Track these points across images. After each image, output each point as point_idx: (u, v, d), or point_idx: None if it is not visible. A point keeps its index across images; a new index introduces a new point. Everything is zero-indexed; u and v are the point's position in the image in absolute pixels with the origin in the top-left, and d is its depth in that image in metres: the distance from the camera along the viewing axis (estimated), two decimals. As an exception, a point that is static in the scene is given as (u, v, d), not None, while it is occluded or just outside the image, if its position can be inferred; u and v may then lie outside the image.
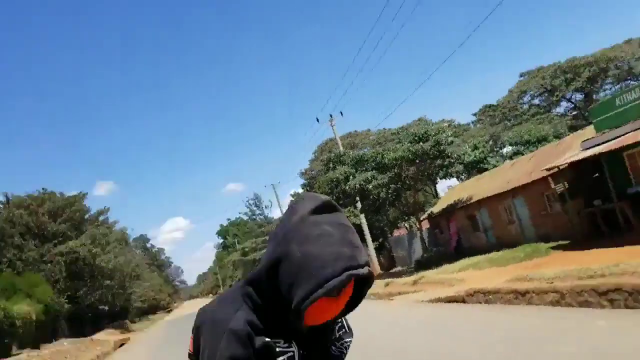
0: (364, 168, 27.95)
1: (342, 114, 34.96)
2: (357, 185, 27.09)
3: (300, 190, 44.04)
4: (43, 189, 40.57)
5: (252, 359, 1.26)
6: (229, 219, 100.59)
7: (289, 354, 1.33)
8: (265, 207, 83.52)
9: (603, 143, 16.49)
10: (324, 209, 1.28)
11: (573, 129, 36.11)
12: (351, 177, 28.19)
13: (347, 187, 28.02)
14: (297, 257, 1.21)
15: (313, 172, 43.33)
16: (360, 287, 1.34)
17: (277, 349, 1.32)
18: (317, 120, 35.28)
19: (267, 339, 1.30)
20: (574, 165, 17.93)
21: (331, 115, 34.66)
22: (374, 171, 26.93)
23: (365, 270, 1.23)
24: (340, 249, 1.21)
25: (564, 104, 48.28)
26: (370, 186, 26.65)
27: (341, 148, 33.73)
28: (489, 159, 33.38)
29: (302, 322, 1.26)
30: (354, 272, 1.20)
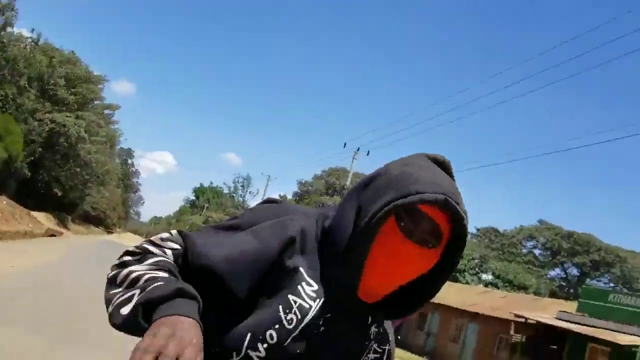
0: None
1: (368, 154, 34.62)
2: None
3: (290, 196, 43.60)
4: (72, 52, 40.18)
5: (273, 262, 1.02)
6: (211, 183, 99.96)
7: (306, 306, 1.02)
8: (250, 192, 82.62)
9: (578, 323, 16.47)
10: (436, 161, 1.11)
11: (552, 295, 36.14)
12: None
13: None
14: (393, 174, 1.05)
15: (311, 188, 43.09)
16: (453, 253, 1.07)
17: (302, 290, 1.03)
18: (345, 145, 34.86)
19: (302, 268, 1.04)
20: (540, 326, 17.76)
21: (358, 149, 34.33)
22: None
23: (463, 210, 1.02)
24: (443, 181, 1.03)
25: (558, 269, 48.48)
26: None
27: (349, 181, 33.50)
28: (466, 274, 33.17)
29: (363, 253, 1.01)
30: (452, 198, 0.99)
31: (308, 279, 1.03)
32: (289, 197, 43.18)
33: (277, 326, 0.99)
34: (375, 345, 1.14)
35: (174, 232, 1.06)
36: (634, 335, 15.23)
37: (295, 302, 1.01)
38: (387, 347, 1.17)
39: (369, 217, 1.00)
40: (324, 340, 1.04)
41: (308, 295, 1.02)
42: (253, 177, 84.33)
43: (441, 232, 1.02)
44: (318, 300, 1.03)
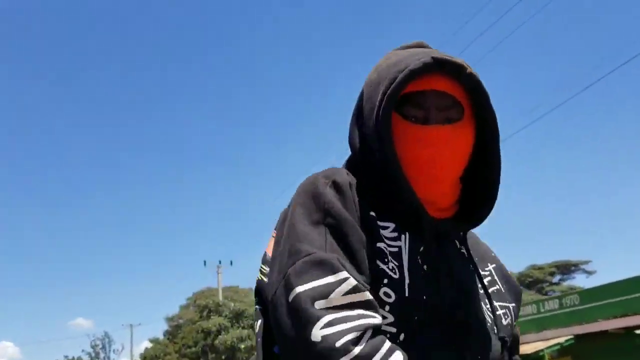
0: (243, 325, 26.33)
1: (231, 263, 33.75)
2: (228, 342, 25.22)
3: (161, 336, 40.37)
4: None
5: (350, 221, 0.90)
6: (66, 357, 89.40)
7: (394, 249, 0.93)
8: (114, 350, 75.20)
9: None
10: (411, 46, 1.05)
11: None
12: (224, 331, 26.34)
13: (218, 342, 25.96)
14: (373, 78, 0.98)
15: (181, 320, 40.31)
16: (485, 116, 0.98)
17: (384, 235, 0.93)
18: (205, 263, 33.38)
19: (371, 212, 0.94)
20: None
21: (220, 262, 33.04)
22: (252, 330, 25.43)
23: (461, 61, 0.94)
24: (426, 52, 0.97)
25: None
26: (243, 346, 24.93)
27: (221, 297, 32.00)
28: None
29: (392, 159, 0.92)
30: (440, 56, 0.93)
31: (379, 222, 0.94)
32: (161, 337, 40.04)
33: (385, 281, 0.90)
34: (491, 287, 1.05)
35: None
36: (537, 341, 15.82)
37: (386, 249, 0.92)
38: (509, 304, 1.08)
39: (373, 121, 0.93)
40: (434, 274, 0.94)
41: (390, 237, 0.94)
42: (112, 333, 77.32)
43: (453, 97, 0.95)
44: (403, 236, 0.94)
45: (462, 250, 1.03)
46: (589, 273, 36.37)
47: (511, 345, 1.06)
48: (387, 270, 0.90)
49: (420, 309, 0.91)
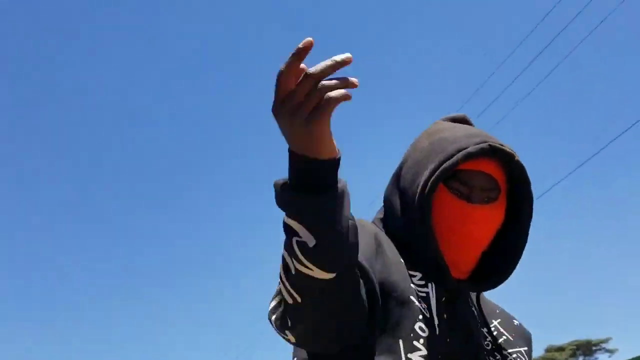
0: None
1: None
2: None
3: None
4: None
5: (372, 272, 0.94)
6: None
7: (422, 294, 1.00)
8: None
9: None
10: (456, 120, 1.16)
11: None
12: None
13: None
14: (425, 146, 1.05)
15: None
16: (520, 198, 1.07)
17: (412, 279, 1.01)
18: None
19: (401, 260, 1.01)
20: None
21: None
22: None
23: (510, 149, 1.03)
24: (478, 132, 1.05)
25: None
26: None
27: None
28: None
29: (426, 224, 0.99)
30: (494, 142, 1.01)
31: (409, 271, 1.00)
32: None
33: (420, 317, 0.95)
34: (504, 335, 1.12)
35: None
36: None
37: (417, 292, 0.99)
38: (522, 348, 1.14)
39: (419, 190, 0.99)
40: (456, 321, 1.01)
41: (418, 284, 1.00)
42: None
43: (496, 181, 1.02)
44: (428, 284, 1.01)
45: (473, 308, 1.09)
46: (611, 352, 35.22)
47: None
48: (421, 308, 0.97)
49: (446, 350, 0.96)
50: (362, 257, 0.90)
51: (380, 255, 0.98)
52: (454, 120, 1.14)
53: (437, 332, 0.96)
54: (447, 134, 1.04)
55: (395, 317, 0.94)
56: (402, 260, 1.01)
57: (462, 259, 1.03)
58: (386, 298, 0.94)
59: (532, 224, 1.07)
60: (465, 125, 1.11)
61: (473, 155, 0.97)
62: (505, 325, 1.16)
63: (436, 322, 0.97)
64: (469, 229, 1.01)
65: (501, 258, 1.08)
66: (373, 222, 1.12)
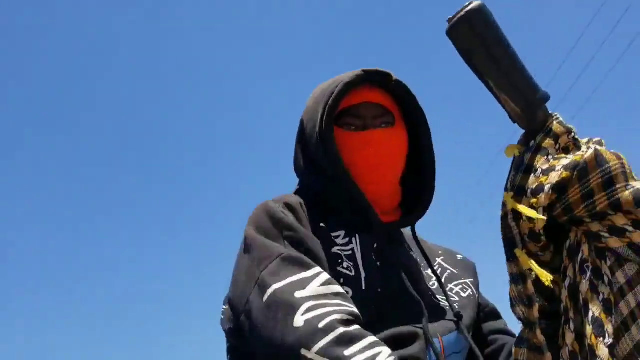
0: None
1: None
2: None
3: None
4: None
5: (305, 231, 0.98)
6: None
7: (347, 252, 1.00)
8: None
9: None
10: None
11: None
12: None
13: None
14: (312, 100, 1.10)
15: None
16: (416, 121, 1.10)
17: (336, 239, 1.01)
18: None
19: (322, 224, 1.02)
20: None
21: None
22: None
23: (386, 72, 1.07)
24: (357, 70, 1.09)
25: None
26: None
27: None
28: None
29: (338, 163, 1.01)
30: (369, 70, 1.06)
31: (331, 233, 1.01)
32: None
33: (342, 280, 0.95)
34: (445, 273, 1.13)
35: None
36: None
37: (340, 252, 0.99)
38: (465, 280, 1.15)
39: (316, 134, 1.01)
40: (389, 270, 1.01)
41: (342, 243, 1.00)
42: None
43: (385, 107, 1.06)
44: (353, 239, 1.01)
45: (412, 252, 1.12)
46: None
47: (488, 312, 1.15)
48: (343, 270, 0.97)
49: (378, 300, 0.96)
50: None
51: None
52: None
53: (364, 287, 0.96)
54: (326, 84, 1.08)
55: None
56: (323, 224, 1.01)
57: (379, 191, 1.04)
58: None
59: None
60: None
61: (351, 84, 1.02)
62: (448, 260, 1.17)
63: (363, 275, 0.97)
64: (368, 152, 1.03)
65: (420, 188, 1.10)
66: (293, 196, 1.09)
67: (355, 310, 0.85)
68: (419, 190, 1.10)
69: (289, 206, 1.00)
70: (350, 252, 1.00)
